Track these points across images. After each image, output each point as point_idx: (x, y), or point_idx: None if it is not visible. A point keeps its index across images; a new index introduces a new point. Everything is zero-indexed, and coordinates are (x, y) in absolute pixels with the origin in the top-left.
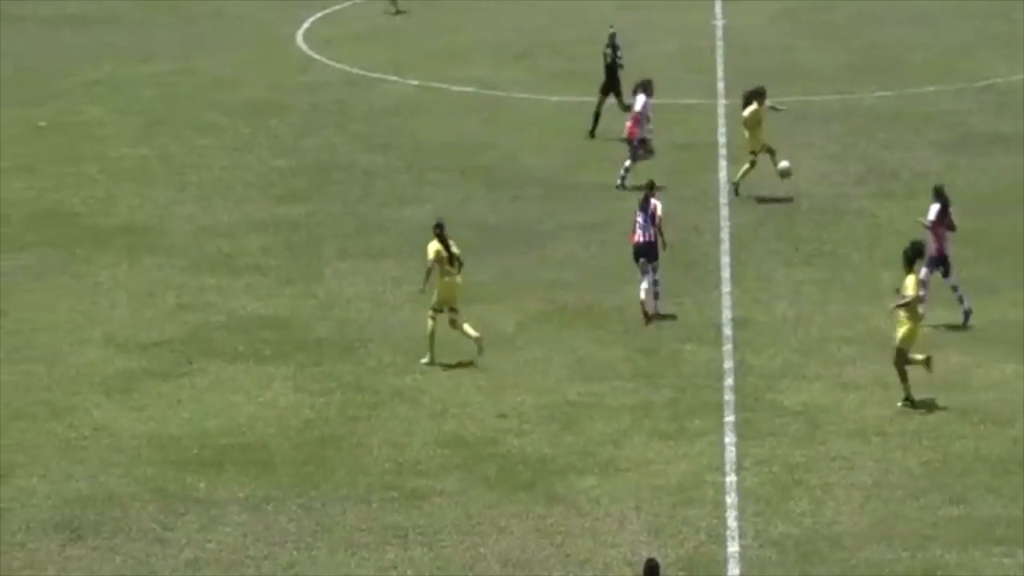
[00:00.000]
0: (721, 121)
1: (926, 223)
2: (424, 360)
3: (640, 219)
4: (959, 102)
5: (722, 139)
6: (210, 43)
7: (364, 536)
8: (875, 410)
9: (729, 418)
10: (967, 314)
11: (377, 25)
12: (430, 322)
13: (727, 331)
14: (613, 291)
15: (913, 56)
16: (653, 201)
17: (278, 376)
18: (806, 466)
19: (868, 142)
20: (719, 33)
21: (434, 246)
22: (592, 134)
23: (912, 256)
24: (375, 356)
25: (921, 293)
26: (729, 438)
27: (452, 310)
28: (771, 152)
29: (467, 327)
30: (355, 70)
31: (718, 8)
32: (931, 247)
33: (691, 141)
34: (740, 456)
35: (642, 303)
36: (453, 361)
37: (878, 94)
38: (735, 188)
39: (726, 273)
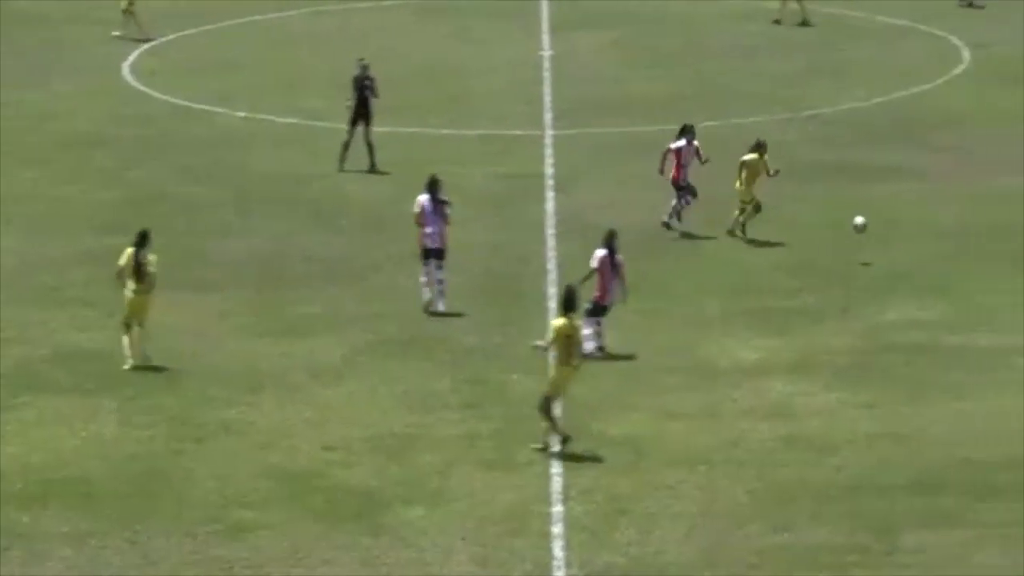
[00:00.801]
0: (548, 152)
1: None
2: (125, 366)
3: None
4: (785, 131)
5: (549, 170)
6: (37, 75)
7: (189, 569)
8: (700, 439)
9: (554, 448)
10: (600, 349)
11: (203, 57)
12: (124, 336)
13: (590, 345)
14: (439, 321)
15: (740, 86)
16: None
17: (103, 409)
18: (631, 495)
19: (695, 172)
20: (546, 64)
21: (128, 252)
22: (342, 167)
23: (567, 301)
24: (200, 389)
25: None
26: (555, 468)
27: (139, 325)
28: (757, 208)
29: (145, 348)
30: (181, 102)
31: (545, 40)
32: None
33: (518, 172)
34: (566, 486)
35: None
36: (279, 393)
37: (706, 124)
38: (741, 233)
39: (552, 303)
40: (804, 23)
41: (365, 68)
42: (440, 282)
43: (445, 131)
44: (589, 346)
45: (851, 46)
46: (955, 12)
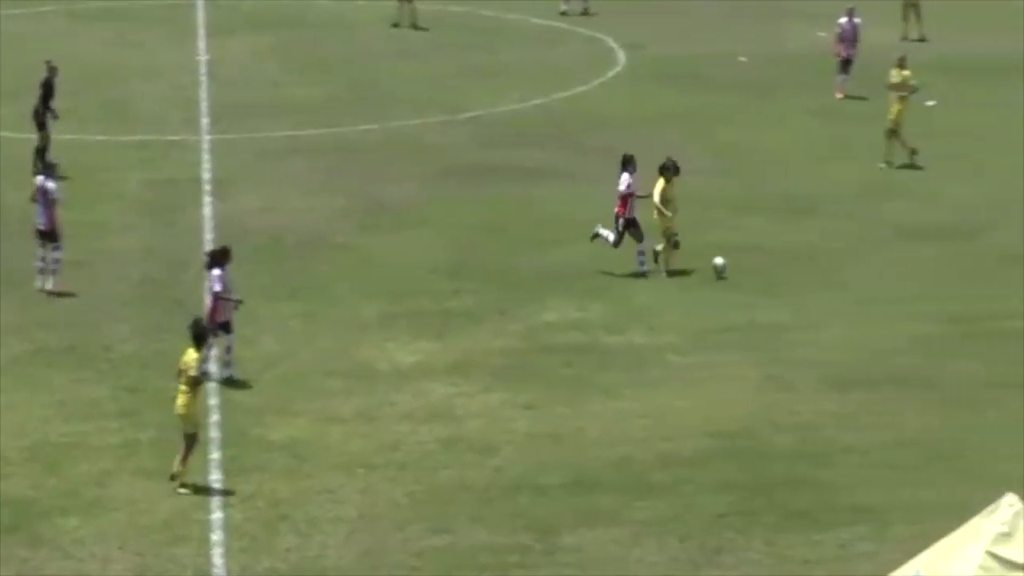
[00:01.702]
0: (205, 156)
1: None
2: None
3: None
4: (443, 134)
5: (206, 174)
6: None
7: None
8: (360, 443)
9: (215, 455)
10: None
11: None
12: None
13: (212, 368)
14: (97, 329)
15: (398, 89)
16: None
17: None
18: (292, 501)
19: (354, 175)
20: (203, 69)
21: None
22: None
23: (197, 334)
24: None
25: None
26: (215, 475)
27: None
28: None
29: None
30: None
31: (202, 44)
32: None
33: (176, 177)
34: (226, 493)
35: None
36: None
37: (364, 127)
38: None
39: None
40: (397, 25)
41: (54, 71)
42: (56, 261)
43: (101, 137)
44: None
45: (508, 49)
46: (612, 13)
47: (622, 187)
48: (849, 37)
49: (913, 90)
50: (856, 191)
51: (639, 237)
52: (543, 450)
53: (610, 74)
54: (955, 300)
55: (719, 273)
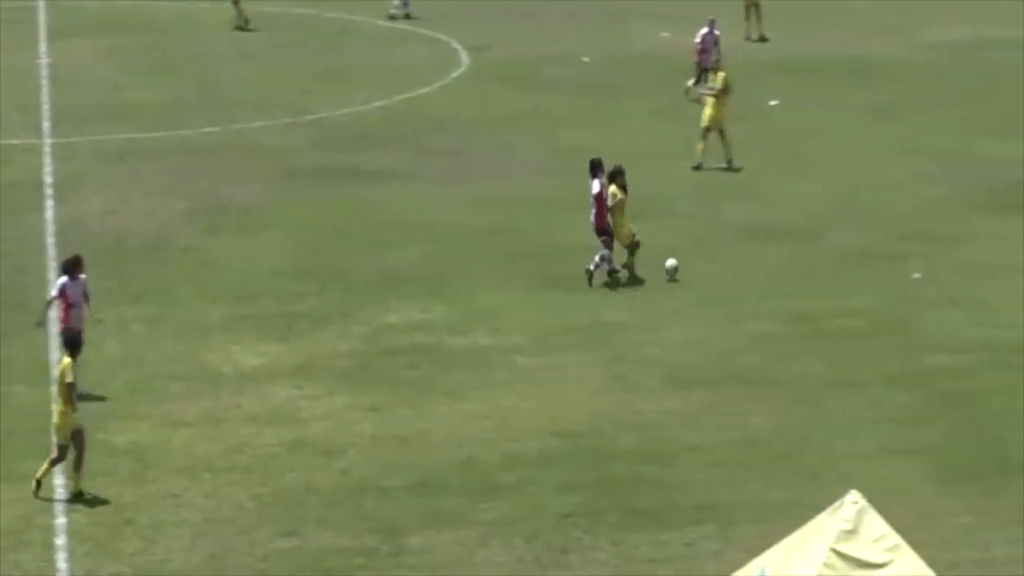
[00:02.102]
0: (47, 160)
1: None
2: None
3: None
4: (286, 136)
5: (48, 178)
6: None
7: None
8: (205, 446)
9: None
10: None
11: None
12: None
13: (56, 372)
14: None
15: (242, 92)
16: None
17: None
18: (136, 505)
19: (196, 177)
20: (44, 72)
21: None
22: None
23: (68, 341)
24: None
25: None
26: (59, 480)
27: None
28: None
29: None
30: None
31: (43, 46)
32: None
33: (17, 181)
34: (70, 497)
35: None
36: None
37: (207, 130)
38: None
39: (54, 313)
40: (241, 27)
41: None
42: None
43: None
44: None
45: (352, 51)
46: (456, 15)
47: (595, 190)
48: (710, 47)
49: (717, 92)
50: (699, 192)
51: (609, 244)
52: (388, 452)
53: (453, 75)
54: (797, 299)
55: (670, 275)
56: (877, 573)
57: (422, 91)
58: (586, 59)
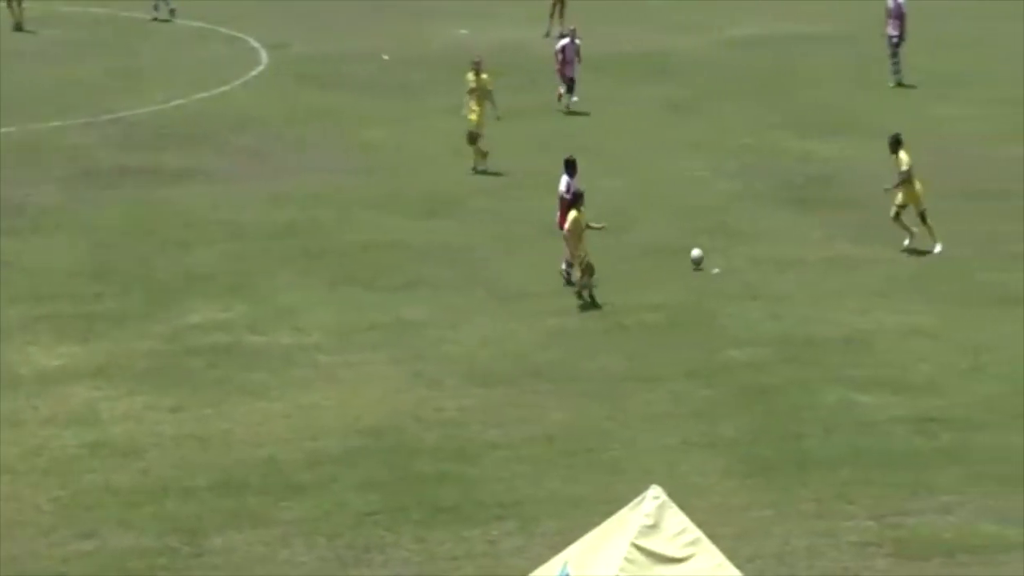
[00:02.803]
0: None
1: None
2: None
3: None
4: (84, 136)
5: None
6: None
7: None
8: (3, 448)
9: None
10: None
11: None
12: None
13: None
14: None
15: (39, 91)
16: None
17: None
18: None
19: None
20: None
21: None
22: None
23: None
24: None
25: None
26: None
27: None
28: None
29: None
30: None
31: None
32: None
33: None
34: None
35: None
36: None
37: (2, 130)
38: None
39: None
40: (20, 28)
41: None
42: None
43: None
44: None
45: (150, 49)
46: (255, 13)
47: (562, 188)
48: (571, 57)
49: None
50: (499, 187)
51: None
52: (189, 452)
53: (252, 74)
54: (597, 294)
55: (696, 265)
56: (678, 568)
57: (221, 89)
58: (386, 57)
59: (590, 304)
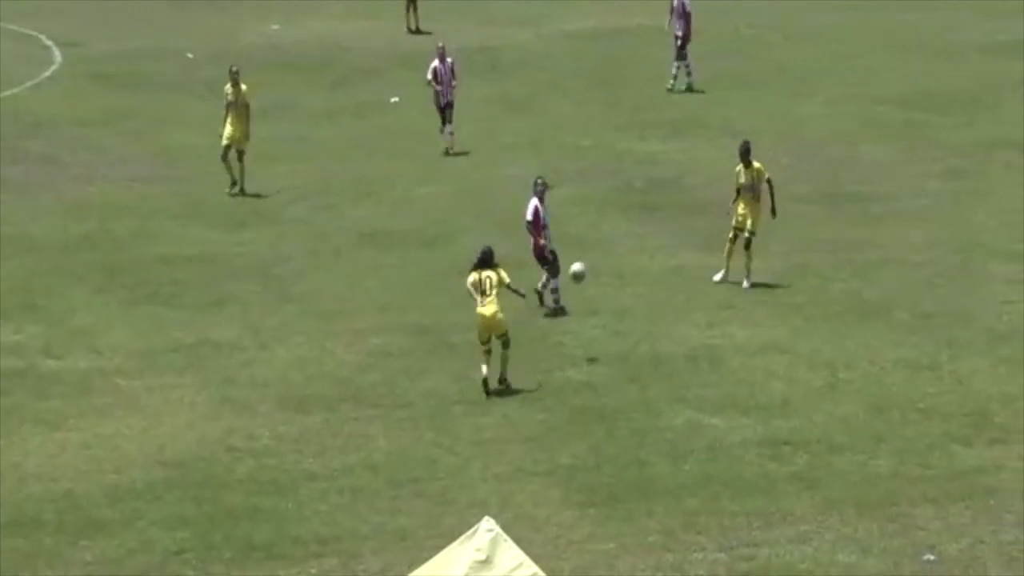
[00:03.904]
0: None
1: None
2: None
3: None
4: None
5: None
6: None
7: None
8: None
9: None
10: None
11: None
12: None
13: None
14: None
15: None
16: None
17: None
18: None
19: None
20: None
21: None
22: None
23: None
24: None
25: None
26: None
27: None
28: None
29: None
30: None
31: None
32: None
33: None
34: None
35: None
36: None
37: None
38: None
39: None
40: None
41: None
42: None
43: None
44: None
45: None
46: (45, 9)
47: (529, 216)
48: (446, 82)
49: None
50: (316, 195)
51: (553, 271)
52: None
53: (45, 74)
54: (422, 312)
55: (577, 280)
56: None
57: (11, 91)
58: (190, 55)
59: (420, 324)
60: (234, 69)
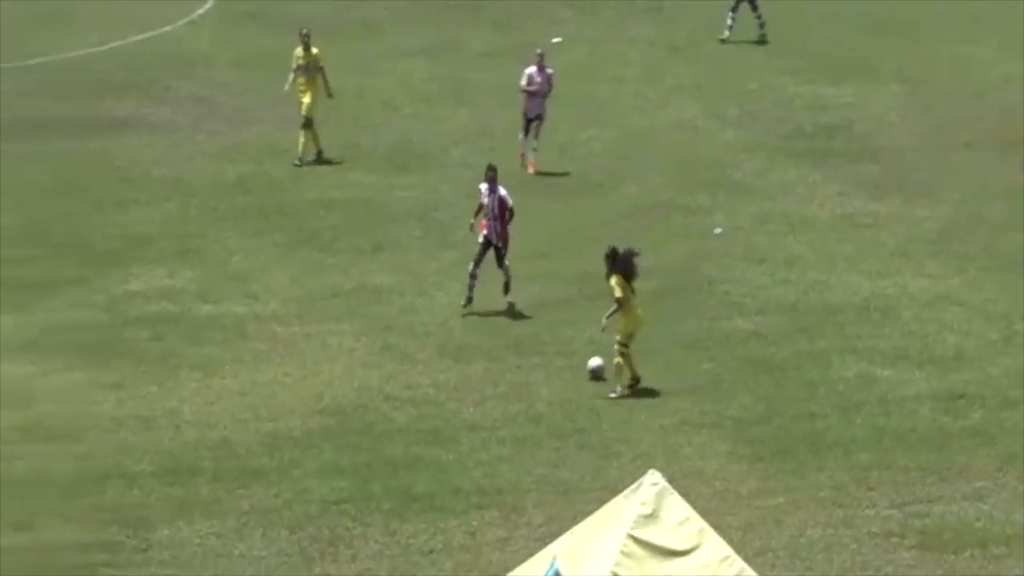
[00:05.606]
0: None
1: None
2: None
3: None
4: (7, 83)
5: None
6: None
7: None
8: None
9: None
10: None
11: None
12: None
13: None
14: None
15: None
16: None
17: None
18: None
19: None
20: None
21: None
22: None
23: None
24: None
25: None
26: None
27: None
28: None
29: None
30: None
31: None
32: None
33: None
34: None
35: None
36: None
37: None
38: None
39: None
40: None
41: None
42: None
43: None
44: None
45: None
46: None
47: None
48: (542, 92)
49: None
50: (473, 138)
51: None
52: (132, 435)
53: (198, 12)
54: (582, 260)
55: (595, 376)
56: (679, 561)
57: (163, 30)
58: None
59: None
60: (304, 32)
